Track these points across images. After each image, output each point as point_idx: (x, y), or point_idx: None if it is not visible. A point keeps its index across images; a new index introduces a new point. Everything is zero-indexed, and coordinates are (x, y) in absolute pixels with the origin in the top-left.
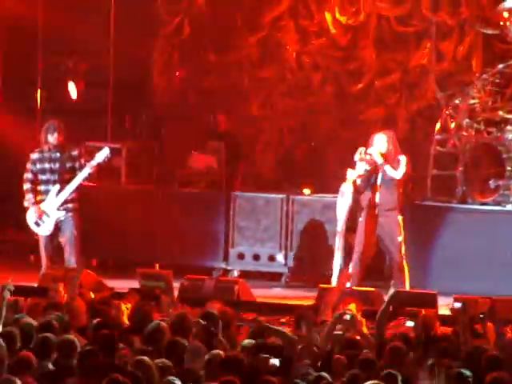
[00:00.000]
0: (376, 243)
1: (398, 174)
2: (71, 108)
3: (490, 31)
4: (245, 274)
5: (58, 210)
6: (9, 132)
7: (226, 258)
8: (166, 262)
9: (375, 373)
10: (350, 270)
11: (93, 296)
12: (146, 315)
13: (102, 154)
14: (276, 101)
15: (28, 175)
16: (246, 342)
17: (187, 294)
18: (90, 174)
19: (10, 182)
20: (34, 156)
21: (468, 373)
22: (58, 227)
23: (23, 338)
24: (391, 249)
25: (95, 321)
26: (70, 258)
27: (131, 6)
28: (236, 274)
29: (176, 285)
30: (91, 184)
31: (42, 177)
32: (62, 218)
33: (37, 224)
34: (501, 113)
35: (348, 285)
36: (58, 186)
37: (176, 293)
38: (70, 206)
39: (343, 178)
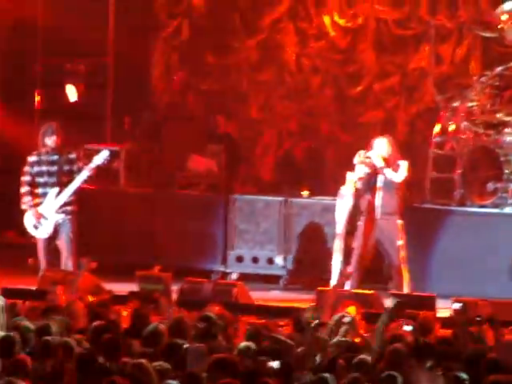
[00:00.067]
0: (375, 246)
1: (398, 177)
2: (70, 110)
3: (488, 34)
4: (243, 277)
5: (57, 212)
6: (8, 134)
7: (224, 261)
8: (164, 265)
9: (373, 375)
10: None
11: (91, 299)
12: (144, 318)
13: (101, 157)
14: (275, 103)
15: (25, 178)
16: (243, 344)
17: (186, 296)
18: (88, 177)
19: (8, 184)
20: (32, 159)
21: (465, 376)
22: (56, 230)
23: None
24: (391, 253)
25: (95, 323)
26: (67, 261)
27: (130, 8)
28: (235, 276)
29: (175, 287)
30: (90, 187)
31: (39, 179)
32: (61, 221)
33: (35, 227)
34: (499, 115)
35: (347, 285)
36: (56, 189)
37: (175, 295)
38: (68, 208)
39: (342, 181)
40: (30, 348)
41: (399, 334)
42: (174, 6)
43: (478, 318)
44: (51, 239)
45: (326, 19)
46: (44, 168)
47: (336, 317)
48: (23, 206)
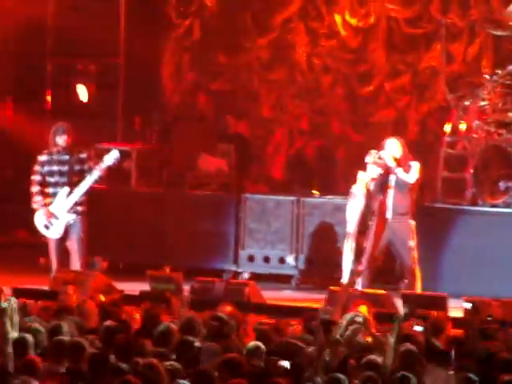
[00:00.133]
0: (386, 247)
1: (410, 177)
2: (81, 110)
3: (499, 33)
4: (255, 277)
5: (68, 212)
6: (19, 133)
7: (236, 261)
8: (176, 265)
9: (385, 376)
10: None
11: (103, 298)
12: (155, 318)
13: (112, 157)
14: (286, 103)
15: (36, 177)
16: (251, 344)
17: (197, 296)
18: (99, 177)
19: (19, 183)
20: (42, 158)
21: (475, 377)
22: (66, 230)
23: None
24: (402, 253)
25: (106, 323)
26: (76, 262)
27: (142, 9)
28: (246, 276)
29: (186, 287)
30: (101, 186)
31: (49, 179)
32: (71, 222)
33: (46, 227)
34: (511, 114)
35: (358, 284)
36: (66, 189)
37: (186, 295)
38: (79, 209)
39: (353, 180)
40: (41, 349)
41: (411, 334)
42: (185, 6)
43: (489, 318)
44: (62, 239)
45: (338, 18)
46: (55, 167)
47: (348, 316)
48: (34, 206)
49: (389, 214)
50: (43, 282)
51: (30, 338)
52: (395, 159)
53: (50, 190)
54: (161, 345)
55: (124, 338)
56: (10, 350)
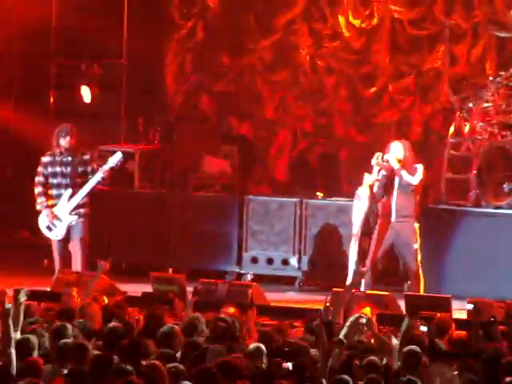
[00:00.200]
0: (390, 249)
1: (414, 179)
2: (84, 110)
3: (503, 34)
4: (258, 278)
5: (70, 214)
6: (23, 134)
7: (239, 262)
8: (179, 266)
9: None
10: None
11: (106, 300)
12: (158, 319)
13: (115, 159)
14: (290, 104)
15: (39, 178)
16: (252, 346)
17: (200, 297)
18: (102, 179)
19: (22, 184)
20: (46, 159)
21: (479, 379)
22: (68, 231)
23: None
24: (406, 256)
25: (110, 325)
26: (78, 264)
27: (145, 10)
28: (249, 277)
29: (189, 289)
30: (104, 188)
31: (52, 180)
32: (74, 223)
33: (49, 228)
34: None
35: (362, 286)
36: (70, 191)
37: (190, 296)
38: (81, 211)
39: (357, 182)
40: (43, 350)
41: (415, 335)
42: (188, 7)
43: (492, 319)
44: (65, 241)
45: (341, 20)
46: (58, 169)
47: (352, 318)
48: (37, 207)
49: (393, 216)
50: (46, 283)
51: (34, 339)
52: (399, 161)
53: (53, 191)
54: (164, 346)
55: (138, 343)
56: (13, 351)
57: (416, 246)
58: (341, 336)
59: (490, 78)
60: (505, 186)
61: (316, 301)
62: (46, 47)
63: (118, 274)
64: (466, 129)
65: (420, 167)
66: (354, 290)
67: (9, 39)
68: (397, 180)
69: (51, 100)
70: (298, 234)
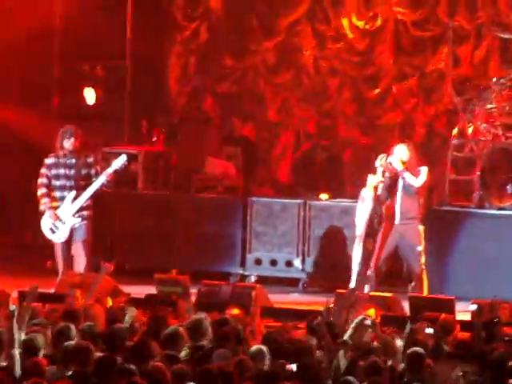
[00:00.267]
0: (394, 250)
1: (417, 181)
2: (88, 112)
3: (507, 35)
4: (262, 280)
5: (74, 216)
6: (27, 135)
7: (243, 264)
8: (182, 268)
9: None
10: (368, 273)
11: (110, 301)
12: (161, 321)
13: (119, 162)
14: (293, 105)
15: (43, 180)
16: (254, 348)
17: (204, 299)
18: (107, 182)
19: (26, 185)
20: (49, 161)
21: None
22: (71, 234)
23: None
24: (410, 258)
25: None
26: (80, 266)
27: (148, 11)
28: (253, 279)
29: (193, 290)
30: (108, 190)
31: (55, 182)
32: (77, 226)
33: (51, 231)
34: None
35: (366, 287)
36: (73, 193)
37: (193, 298)
38: (84, 213)
39: (360, 183)
40: (47, 352)
41: (418, 337)
42: (192, 8)
43: (495, 320)
44: (68, 243)
45: (345, 21)
46: (61, 171)
47: (357, 319)
48: (41, 207)
49: (397, 218)
50: (50, 284)
51: (40, 338)
52: (403, 163)
53: (56, 193)
54: (169, 347)
55: (146, 344)
56: (17, 352)
57: (420, 248)
58: (346, 337)
59: (494, 80)
60: (508, 187)
61: (320, 302)
62: (49, 49)
63: (121, 276)
64: (470, 130)
65: (424, 169)
66: (357, 292)
67: (12, 40)
68: (401, 182)
69: (55, 102)
70: (301, 235)
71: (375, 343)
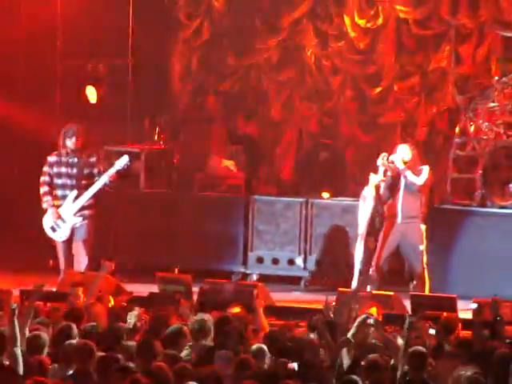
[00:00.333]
0: (395, 249)
1: (419, 180)
2: (90, 111)
3: (509, 34)
4: (264, 278)
5: (75, 216)
6: (30, 134)
7: (245, 262)
8: (185, 266)
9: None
10: (370, 273)
11: (112, 300)
12: (163, 319)
13: (122, 162)
14: (295, 104)
15: (45, 178)
16: (255, 346)
17: (206, 297)
18: (109, 182)
19: (29, 183)
20: (52, 159)
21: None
22: (72, 233)
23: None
24: (412, 257)
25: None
26: (81, 265)
27: (150, 9)
28: (255, 277)
29: (195, 289)
30: (109, 190)
31: (57, 181)
32: (78, 225)
33: (53, 229)
34: None
35: (368, 288)
36: (75, 192)
37: (195, 297)
38: (86, 212)
39: (362, 182)
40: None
41: (420, 335)
42: (194, 7)
43: (497, 318)
44: (69, 241)
45: (346, 20)
46: (63, 169)
47: (360, 318)
48: (44, 205)
49: (399, 217)
50: (52, 283)
51: (44, 336)
52: (405, 162)
53: (58, 192)
54: (172, 346)
55: (151, 342)
56: (18, 351)
57: (422, 247)
58: (349, 335)
59: (496, 78)
60: (510, 185)
61: (322, 301)
62: (51, 47)
63: (124, 275)
64: (472, 129)
65: (426, 168)
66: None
67: (15, 39)
68: (403, 181)
69: (57, 100)
70: (303, 233)
71: (378, 342)
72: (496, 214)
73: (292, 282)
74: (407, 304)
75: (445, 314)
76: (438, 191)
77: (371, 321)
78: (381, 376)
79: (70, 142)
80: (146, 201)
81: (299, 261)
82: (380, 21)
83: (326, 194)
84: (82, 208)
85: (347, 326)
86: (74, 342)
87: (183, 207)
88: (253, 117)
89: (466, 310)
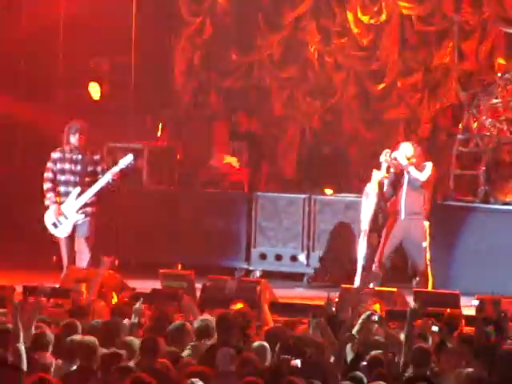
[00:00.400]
0: (399, 245)
1: (422, 175)
2: (93, 108)
3: None
4: (267, 275)
5: (77, 213)
6: (33, 131)
7: (248, 259)
8: (188, 263)
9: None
10: (373, 269)
11: (115, 296)
12: (166, 316)
13: (126, 161)
14: (298, 100)
15: (48, 174)
16: (256, 343)
17: (209, 294)
18: (112, 180)
19: (32, 180)
20: (55, 155)
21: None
22: (74, 230)
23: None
24: (415, 254)
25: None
26: (82, 261)
27: (153, 6)
28: (258, 274)
29: (198, 285)
30: (112, 189)
31: (60, 177)
32: (80, 222)
33: (54, 225)
34: None
35: (371, 285)
36: (78, 189)
37: (198, 293)
38: (88, 210)
39: (365, 178)
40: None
41: (423, 332)
42: (197, 4)
43: (502, 314)
44: (71, 238)
45: (349, 16)
46: (67, 166)
47: (364, 315)
48: (46, 202)
49: (402, 214)
50: (55, 279)
51: (50, 333)
52: (408, 158)
53: (61, 188)
54: (175, 342)
55: (155, 340)
56: (22, 347)
57: (425, 244)
58: (353, 332)
59: (499, 74)
60: None
61: (325, 297)
62: (54, 45)
63: (127, 271)
64: (475, 125)
65: (429, 164)
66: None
67: (18, 37)
68: (406, 177)
69: (60, 97)
70: (306, 230)
71: (382, 338)
72: (499, 211)
73: (295, 278)
74: (410, 300)
75: (448, 310)
76: (441, 187)
77: (376, 318)
78: (383, 370)
79: (74, 139)
80: (149, 197)
81: (302, 257)
82: (383, 17)
83: (329, 191)
84: (85, 205)
85: (352, 322)
86: (77, 337)
87: (186, 204)
88: (256, 113)
89: (468, 307)
